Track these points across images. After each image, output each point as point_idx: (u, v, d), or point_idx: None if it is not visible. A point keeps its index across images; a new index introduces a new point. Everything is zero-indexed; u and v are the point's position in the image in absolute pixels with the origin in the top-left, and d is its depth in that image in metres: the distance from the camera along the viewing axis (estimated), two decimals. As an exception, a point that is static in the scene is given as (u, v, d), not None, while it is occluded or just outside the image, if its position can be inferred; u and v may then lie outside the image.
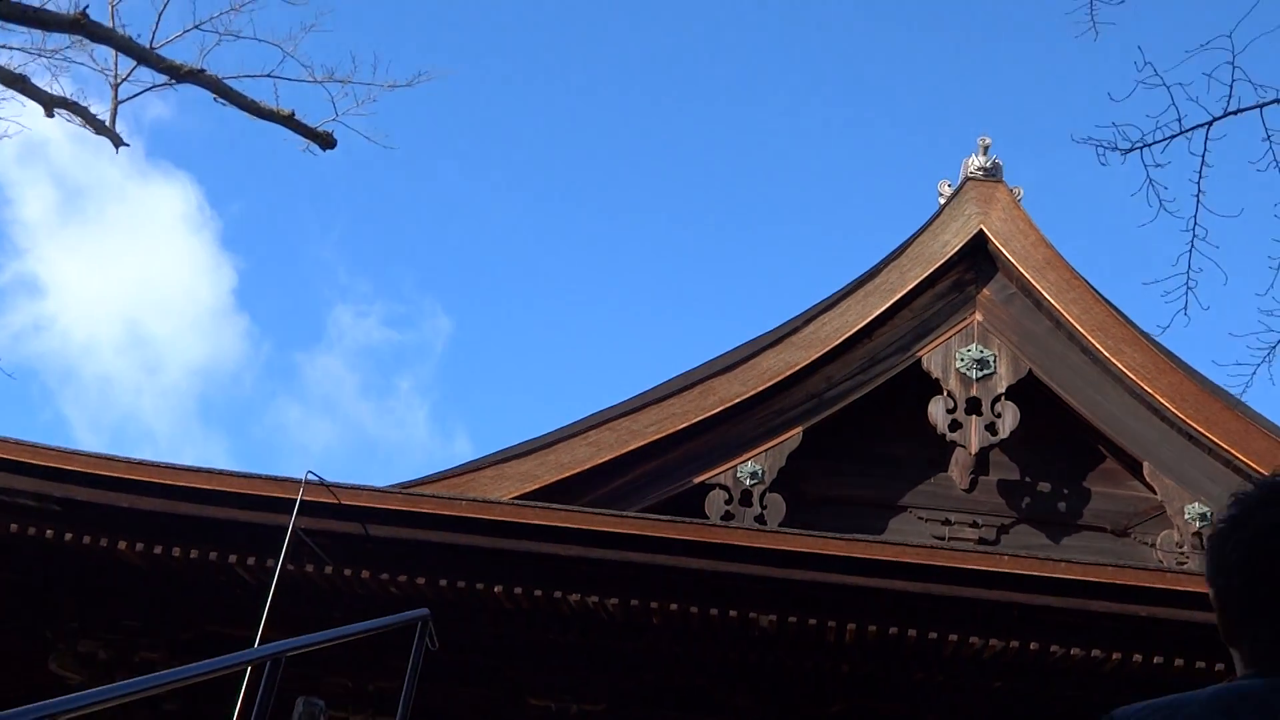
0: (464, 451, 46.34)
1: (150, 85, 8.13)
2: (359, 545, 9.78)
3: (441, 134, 40.46)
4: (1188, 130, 6.96)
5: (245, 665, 4.79)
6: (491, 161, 41.30)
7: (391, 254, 43.67)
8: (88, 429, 45.44)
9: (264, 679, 4.51)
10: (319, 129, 8.26)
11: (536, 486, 12.35)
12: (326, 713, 5.85)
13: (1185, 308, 7.48)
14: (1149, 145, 7.03)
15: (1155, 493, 12.96)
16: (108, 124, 7.97)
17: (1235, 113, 6.85)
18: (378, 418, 46.81)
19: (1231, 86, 6.82)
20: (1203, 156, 7.05)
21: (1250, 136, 7.03)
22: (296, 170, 43.39)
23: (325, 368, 46.00)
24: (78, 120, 8.01)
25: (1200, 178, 7.11)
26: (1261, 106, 6.89)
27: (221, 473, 9.81)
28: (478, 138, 41.13)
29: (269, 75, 8.33)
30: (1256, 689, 2.12)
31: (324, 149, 8.21)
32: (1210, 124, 6.93)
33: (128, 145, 7.92)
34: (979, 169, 14.45)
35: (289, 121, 8.14)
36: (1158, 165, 7.08)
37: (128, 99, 8.14)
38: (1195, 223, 7.26)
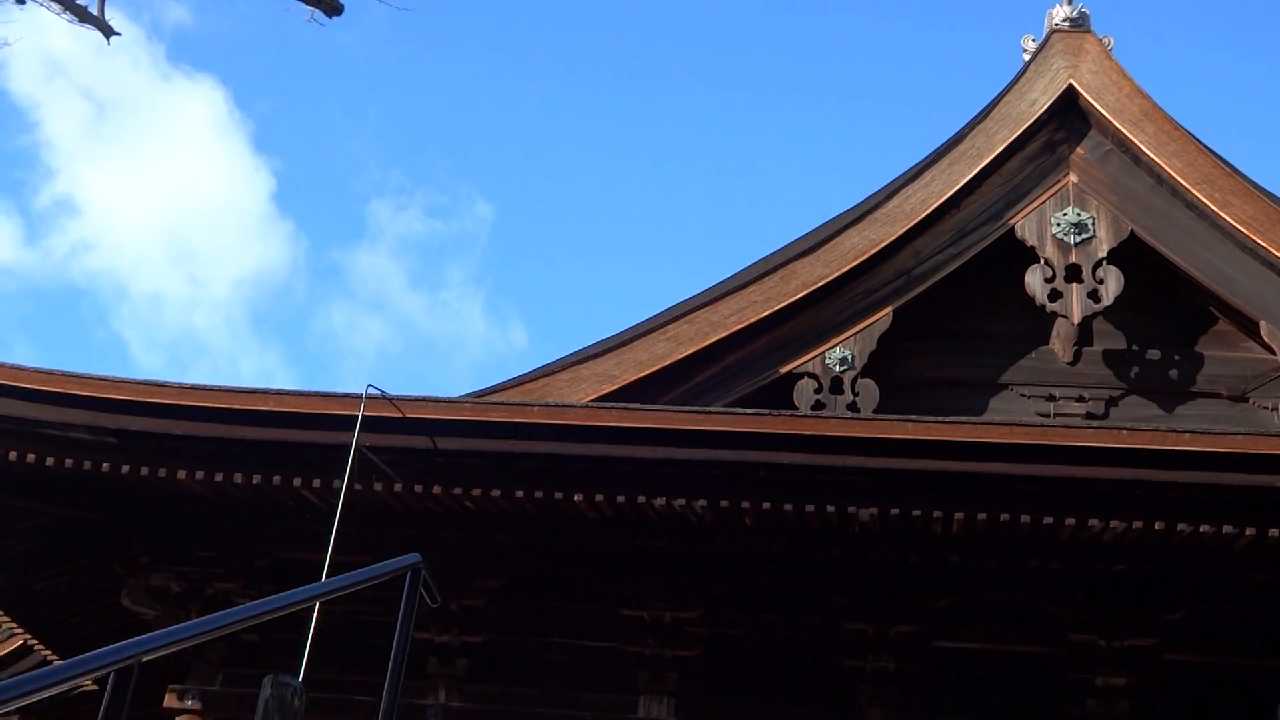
0: (521, 343, 45.54)
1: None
2: (428, 460, 9.23)
3: (462, 6, 39.28)
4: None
5: (89, 674, 3.48)
6: (520, 33, 40.02)
7: (422, 142, 42.78)
8: (143, 348, 45.35)
9: (109, 691, 3.49)
10: (323, -9, 7.53)
11: (615, 387, 11.73)
12: (304, 695, 5.14)
13: None
14: None
15: (1274, 352, 12.08)
16: (94, 12, 7.31)
17: None
18: (431, 313, 46.27)
19: None
20: None
21: None
22: (321, 62, 42.33)
23: (372, 266, 45.43)
24: (57, 8, 7.34)
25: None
26: None
27: (277, 393, 9.28)
28: (503, 7, 39.82)
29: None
30: None
31: (330, 15, 7.51)
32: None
33: (119, 34, 7.29)
34: (1065, 20, 13.49)
35: (286, -17, 7.44)
36: None
37: (114, -18, 7.46)
38: None
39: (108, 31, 7.23)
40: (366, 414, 8.89)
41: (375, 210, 45.64)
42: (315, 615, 8.49)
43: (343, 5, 7.45)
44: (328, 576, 8.60)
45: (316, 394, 9.27)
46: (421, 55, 40.19)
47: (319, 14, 7.36)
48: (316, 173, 44.21)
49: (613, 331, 12.21)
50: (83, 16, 7.43)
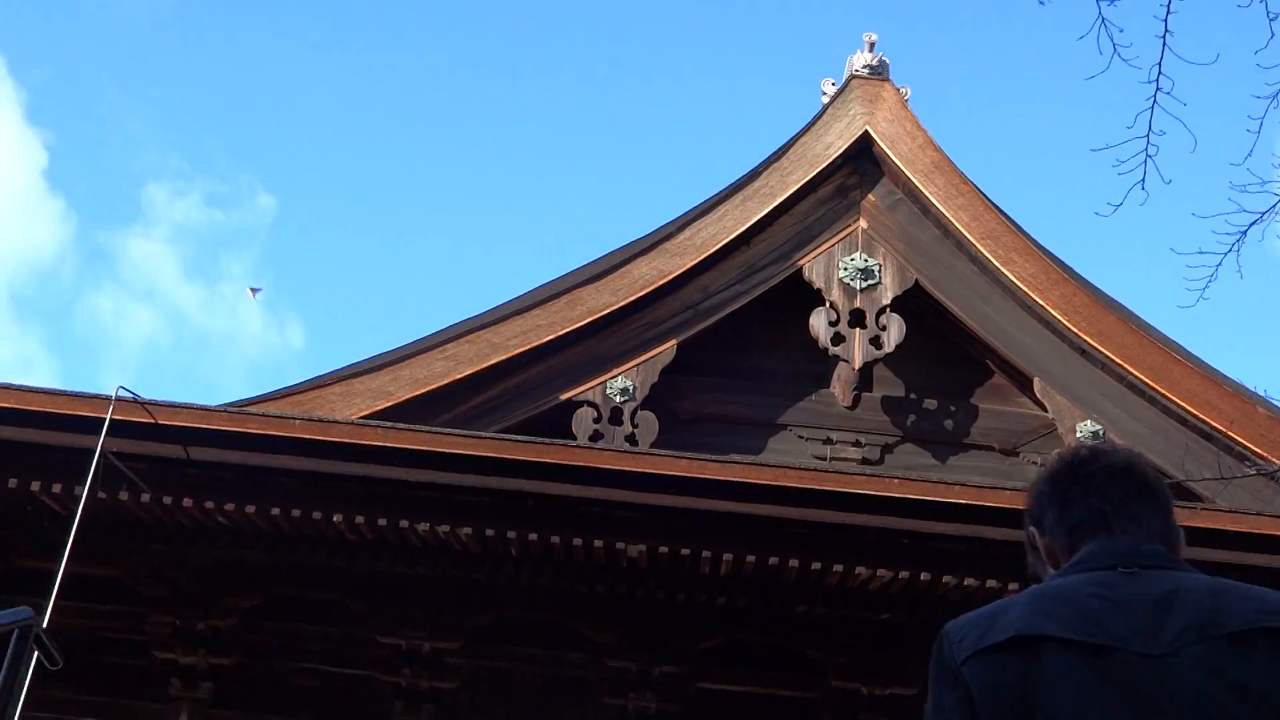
0: (299, 344, 44.23)
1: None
2: (180, 470, 8.74)
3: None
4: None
5: None
6: (313, 20, 38.99)
7: (204, 127, 41.34)
8: None
9: None
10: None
11: (389, 404, 11.34)
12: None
13: (1143, 180, 6.27)
14: None
15: (1046, 410, 12.29)
16: None
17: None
18: (206, 307, 44.67)
19: None
20: None
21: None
22: (102, 33, 40.54)
23: (146, 252, 43.63)
24: None
25: (1168, 14, 5.90)
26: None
27: (18, 389, 8.69)
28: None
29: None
30: (1068, 585, 2.31)
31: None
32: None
33: None
34: (864, 67, 13.55)
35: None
36: (1112, 1, 5.88)
37: None
38: (1159, 72, 6.00)
39: None
40: (115, 417, 8.35)
41: (151, 194, 43.93)
42: (44, 628, 7.91)
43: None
44: (61, 588, 8.05)
45: (62, 393, 8.71)
46: (206, 34, 38.91)
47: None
48: (92, 150, 42.31)
49: (390, 345, 11.85)
50: None
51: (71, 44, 39.83)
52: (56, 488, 8.78)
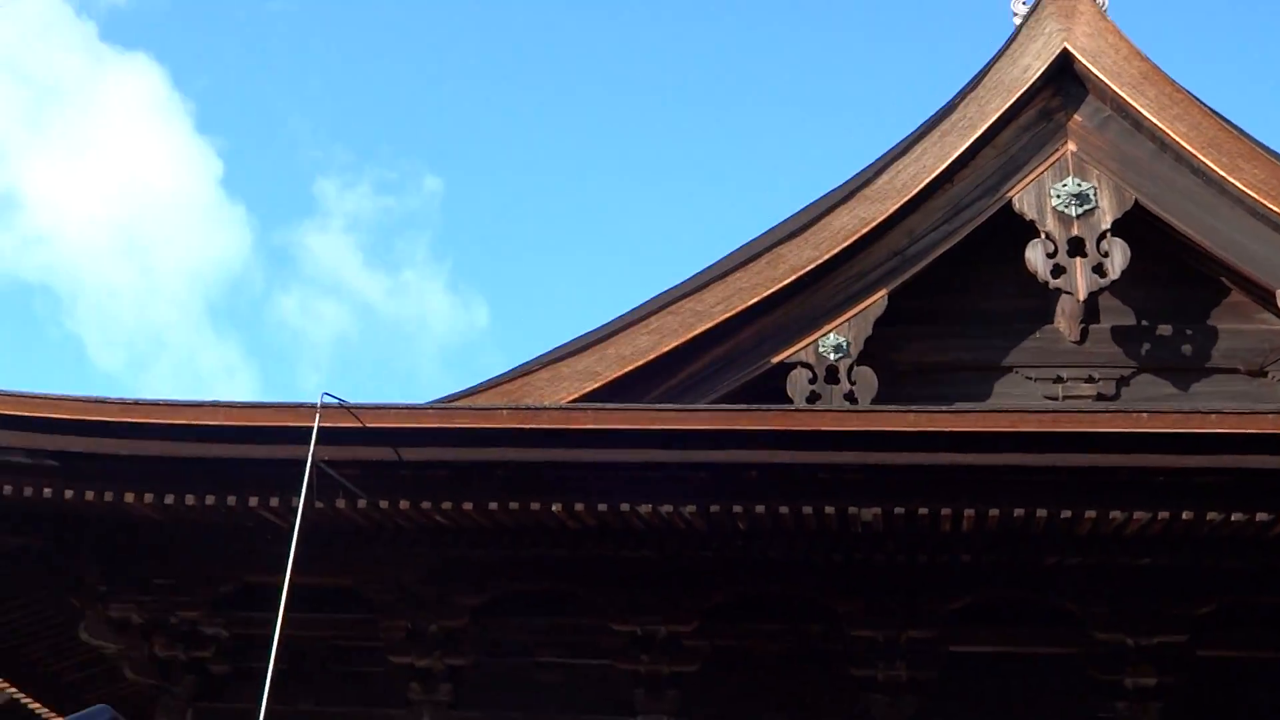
0: (483, 321, 43.86)
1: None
2: (392, 472, 8.54)
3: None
4: None
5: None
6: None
7: (363, 115, 41.43)
8: (100, 347, 44.12)
9: None
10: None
11: (598, 385, 11.01)
12: None
13: None
14: None
15: (1292, 323, 11.43)
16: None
17: None
18: (392, 295, 44.98)
19: None
20: None
21: None
22: (256, 31, 41.00)
23: (325, 246, 44.11)
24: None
25: None
26: None
27: (226, 405, 8.58)
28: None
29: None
30: None
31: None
32: None
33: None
34: (1057, -20, 12.79)
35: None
36: None
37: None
38: None
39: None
40: (323, 425, 8.20)
41: (323, 188, 44.47)
42: (275, 644, 7.83)
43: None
44: (288, 599, 7.93)
45: (268, 405, 8.58)
46: (354, 21, 39.10)
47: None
48: (262, 152, 42.96)
49: (579, 312, 11.61)
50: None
51: (228, 48, 40.45)
52: (274, 501, 8.68)
